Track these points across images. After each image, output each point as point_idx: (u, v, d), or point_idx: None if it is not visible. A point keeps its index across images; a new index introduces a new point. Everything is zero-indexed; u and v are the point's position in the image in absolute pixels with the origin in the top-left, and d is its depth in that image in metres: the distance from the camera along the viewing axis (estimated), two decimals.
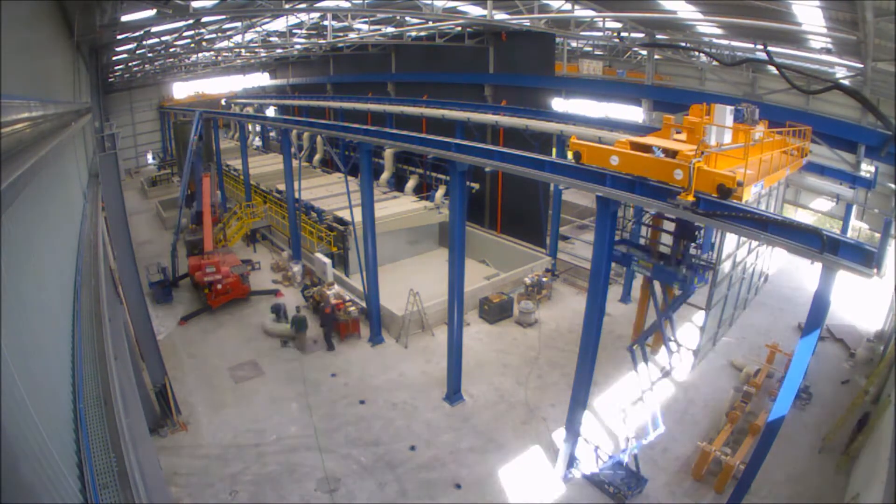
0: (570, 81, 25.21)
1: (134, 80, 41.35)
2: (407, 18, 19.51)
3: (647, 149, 8.69)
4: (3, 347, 2.42)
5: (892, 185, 16.17)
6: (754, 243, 11.30)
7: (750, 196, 7.98)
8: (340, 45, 26.26)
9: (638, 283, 16.34)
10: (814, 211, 23.09)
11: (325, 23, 21.50)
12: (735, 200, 7.51)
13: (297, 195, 21.63)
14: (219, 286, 18.21)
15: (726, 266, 10.06)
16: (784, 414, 8.14)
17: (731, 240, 9.76)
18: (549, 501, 10.43)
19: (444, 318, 14.48)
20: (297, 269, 21.02)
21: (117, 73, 33.61)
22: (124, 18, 11.77)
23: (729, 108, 9.11)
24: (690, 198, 7.53)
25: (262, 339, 16.76)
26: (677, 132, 10.02)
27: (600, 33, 19.90)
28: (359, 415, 13.03)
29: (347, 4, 16.63)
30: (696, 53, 21.55)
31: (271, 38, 26.18)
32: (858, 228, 20.16)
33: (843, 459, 10.83)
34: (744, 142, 8.89)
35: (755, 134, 9.42)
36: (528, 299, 17.95)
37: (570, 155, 9.69)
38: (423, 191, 24.97)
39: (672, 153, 8.37)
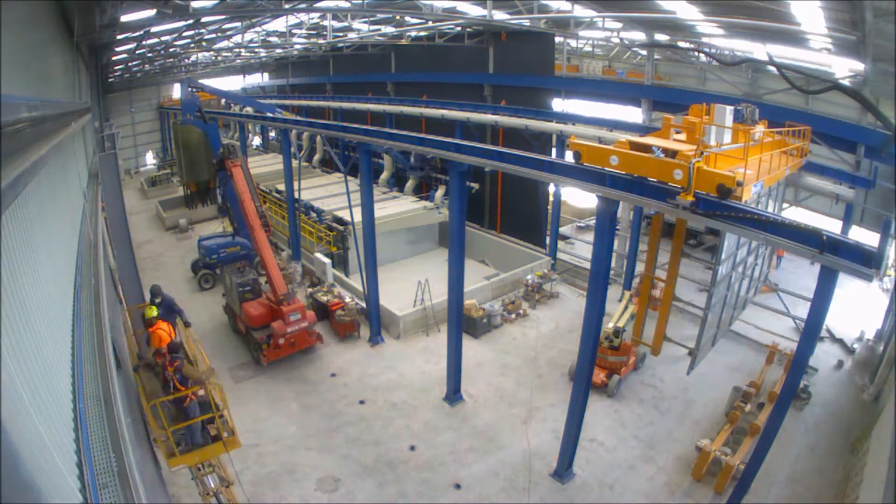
0: (570, 81, 25.23)
1: (134, 80, 41.34)
2: (407, 18, 19.51)
3: (646, 149, 8.68)
4: (3, 347, 2.42)
5: (892, 185, 16.16)
6: (754, 243, 11.30)
7: (749, 196, 7.98)
8: (340, 45, 26.25)
9: (637, 282, 16.34)
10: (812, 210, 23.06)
11: (325, 23, 21.52)
12: (734, 200, 7.50)
13: (296, 195, 21.63)
14: (280, 340, 14.46)
15: (726, 266, 10.04)
16: (783, 414, 8.16)
17: (730, 240, 9.74)
18: (550, 502, 10.43)
19: (444, 317, 14.48)
20: (296, 269, 21.02)
21: (117, 73, 33.62)
22: (124, 18, 11.75)
23: (728, 108, 9.10)
24: (690, 198, 7.53)
25: None
26: (677, 132, 10.02)
27: (600, 33, 19.90)
28: (358, 415, 13.03)
29: (347, 4, 16.62)
30: (696, 53, 21.54)
31: (271, 39, 26.17)
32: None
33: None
34: (743, 142, 8.89)
35: (755, 134, 9.41)
36: (515, 314, 17.71)
37: (567, 154, 9.72)
38: (423, 191, 24.98)
39: (672, 153, 8.37)
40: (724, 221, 7.40)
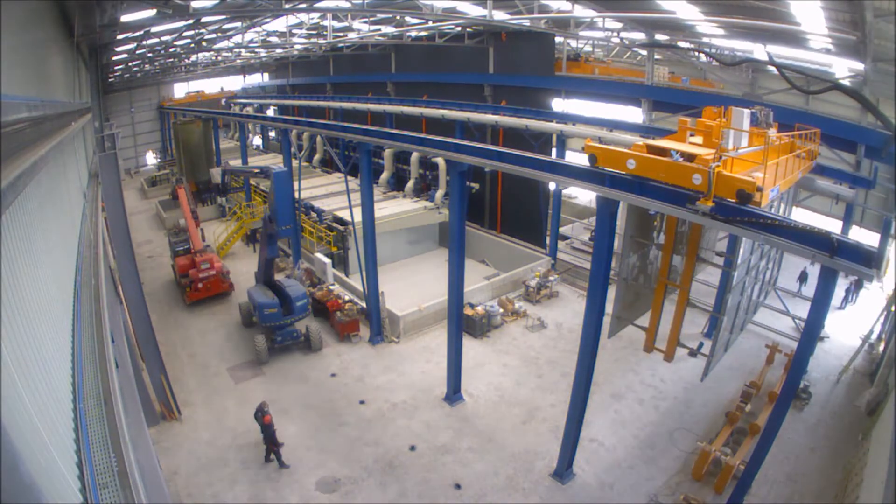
0: (570, 81, 25.18)
1: (134, 80, 41.33)
2: (407, 18, 19.50)
3: (663, 152, 8.53)
4: (3, 347, 2.42)
5: (892, 185, 16.17)
6: (766, 247, 11.18)
7: (767, 201, 7.87)
8: (340, 45, 26.24)
9: None
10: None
11: (325, 23, 21.51)
12: (754, 206, 7.39)
13: (296, 195, 21.61)
14: (199, 284, 18.69)
15: (741, 271, 9.93)
16: (784, 414, 8.15)
17: (746, 245, 9.62)
18: (550, 501, 10.44)
19: (444, 318, 14.46)
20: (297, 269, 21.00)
21: (117, 73, 33.59)
22: (124, 18, 11.74)
23: (746, 112, 9.01)
24: (710, 203, 7.40)
25: None
26: (691, 135, 9.88)
27: (600, 33, 19.89)
28: (358, 415, 13.03)
29: (347, 4, 16.61)
30: (696, 53, 21.54)
31: (271, 39, 26.17)
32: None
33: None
34: (762, 145, 8.75)
35: (771, 138, 9.29)
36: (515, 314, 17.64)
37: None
38: (424, 191, 24.99)
39: (689, 157, 8.25)
40: (745, 228, 7.28)
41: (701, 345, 11.88)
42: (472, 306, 16.96)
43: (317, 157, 32.29)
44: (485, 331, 16.71)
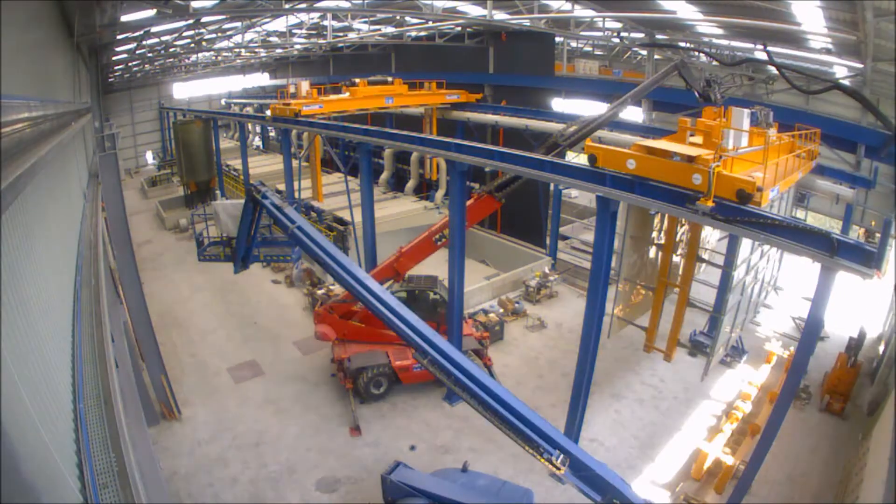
0: (570, 81, 25.23)
1: (134, 80, 41.34)
2: (407, 18, 19.52)
3: (663, 152, 8.55)
4: (3, 347, 2.42)
5: (892, 185, 16.16)
6: (766, 247, 11.19)
7: (767, 201, 7.87)
8: (340, 45, 26.27)
9: None
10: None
11: (325, 23, 21.52)
12: (754, 206, 7.40)
13: (296, 195, 21.60)
14: None
15: (740, 271, 9.94)
16: (784, 414, 8.15)
17: (745, 244, 9.63)
18: (549, 502, 10.43)
19: None
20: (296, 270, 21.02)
21: (117, 73, 33.62)
22: (124, 18, 11.77)
23: (746, 112, 9.03)
24: (710, 203, 7.42)
25: (262, 339, 16.76)
26: (691, 135, 9.89)
27: (600, 33, 19.91)
28: (359, 414, 13.02)
29: (347, 4, 16.64)
30: (696, 53, 21.54)
31: (271, 39, 26.19)
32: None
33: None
34: (762, 145, 8.75)
35: (771, 138, 9.30)
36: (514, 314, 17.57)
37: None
38: (423, 191, 24.99)
39: (689, 157, 8.25)
40: (745, 227, 7.30)
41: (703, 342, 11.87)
42: (486, 313, 16.79)
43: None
44: (499, 338, 16.24)
